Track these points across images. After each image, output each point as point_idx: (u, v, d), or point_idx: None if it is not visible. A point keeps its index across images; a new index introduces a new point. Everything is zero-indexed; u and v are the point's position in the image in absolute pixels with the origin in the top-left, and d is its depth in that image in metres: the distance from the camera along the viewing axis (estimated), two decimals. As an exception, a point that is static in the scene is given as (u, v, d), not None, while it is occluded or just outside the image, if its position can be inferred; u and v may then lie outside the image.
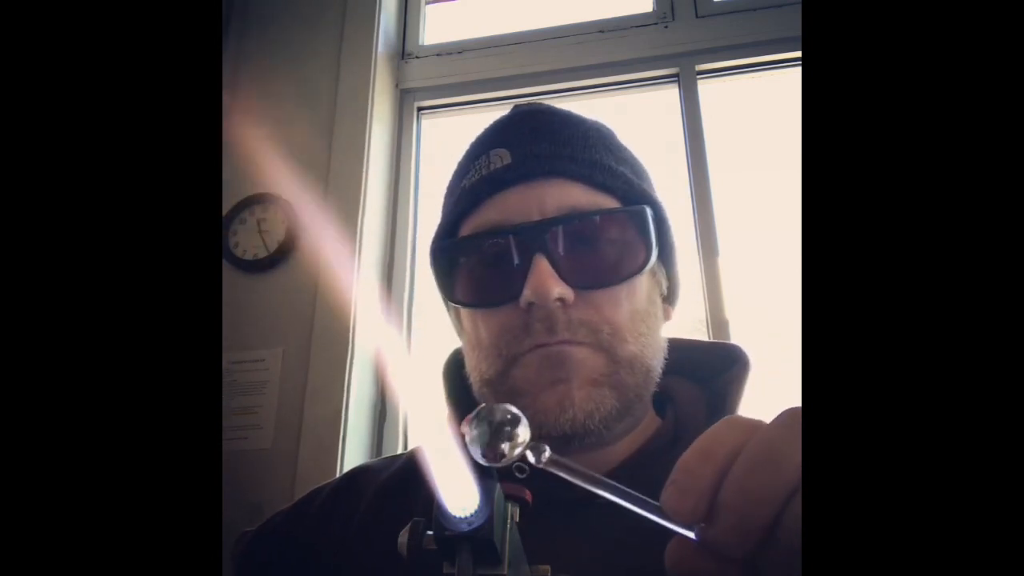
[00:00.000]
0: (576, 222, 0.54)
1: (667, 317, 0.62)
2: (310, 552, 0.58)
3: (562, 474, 0.31)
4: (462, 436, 0.30)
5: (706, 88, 1.53)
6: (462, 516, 0.28)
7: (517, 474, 0.54)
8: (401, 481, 0.60)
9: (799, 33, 1.40)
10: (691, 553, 0.30)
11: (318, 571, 0.57)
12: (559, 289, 0.51)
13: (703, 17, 1.56)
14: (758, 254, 1.38)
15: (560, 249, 0.53)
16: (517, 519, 0.31)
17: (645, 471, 0.54)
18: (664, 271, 0.61)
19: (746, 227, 1.41)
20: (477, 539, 0.28)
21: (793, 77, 1.50)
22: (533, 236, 0.53)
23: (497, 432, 0.29)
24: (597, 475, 0.32)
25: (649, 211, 0.56)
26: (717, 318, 1.28)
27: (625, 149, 0.63)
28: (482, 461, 0.30)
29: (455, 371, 0.63)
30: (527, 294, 0.52)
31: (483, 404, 0.30)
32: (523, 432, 0.29)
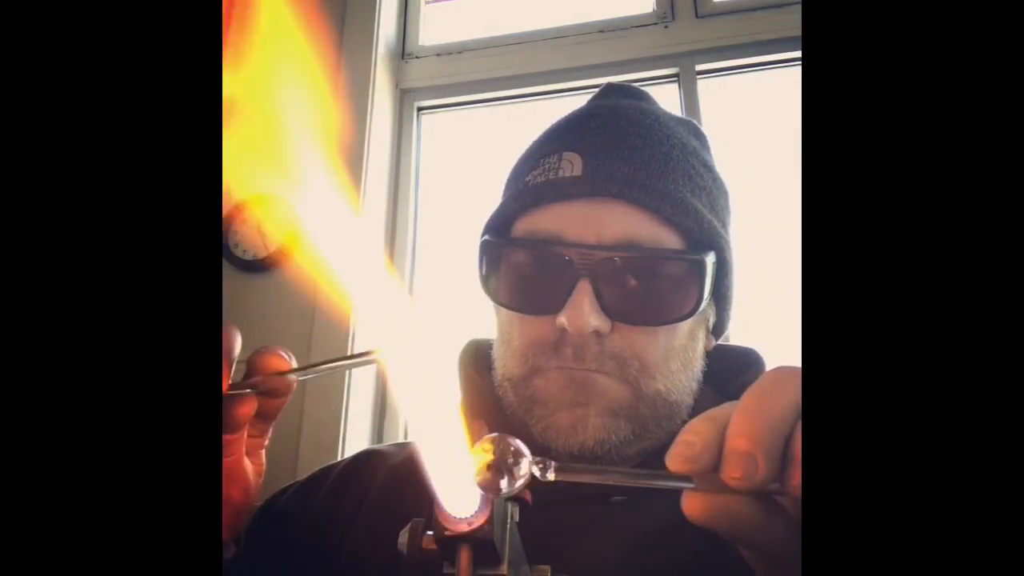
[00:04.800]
0: (630, 256, 0.52)
1: (708, 347, 0.60)
2: (316, 533, 0.58)
3: (573, 479, 0.31)
4: (470, 430, 0.30)
5: (706, 88, 1.53)
6: (462, 516, 0.28)
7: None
8: (412, 469, 0.59)
9: (799, 33, 1.40)
10: (702, 498, 0.29)
11: (323, 553, 0.56)
12: (595, 323, 0.50)
13: (703, 17, 1.56)
14: (758, 254, 1.38)
15: (607, 279, 0.51)
16: (517, 519, 0.31)
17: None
18: (715, 307, 0.60)
19: (746, 227, 1.40)
20: (477, 539, 0.28)
21: (793, 77, 1.50)
22: (584, 260, 0.51)
23: (499, 470, 0.29)
24: (604, 468, 0.32)
25: (710, 260, 0.54)
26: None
27: (707, 170, 0.60)
28: (483, 492, 0.29)
29: (471, 362, 0.63)
30: (563, 320, 0.51)
31: (489, 435, 0.30)
32: (524, 467, 0.29)
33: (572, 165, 0.55)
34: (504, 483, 0.28)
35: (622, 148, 0.55)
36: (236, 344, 0.39)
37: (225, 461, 0.41)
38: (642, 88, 0.67)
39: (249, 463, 0.43)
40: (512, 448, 0.29)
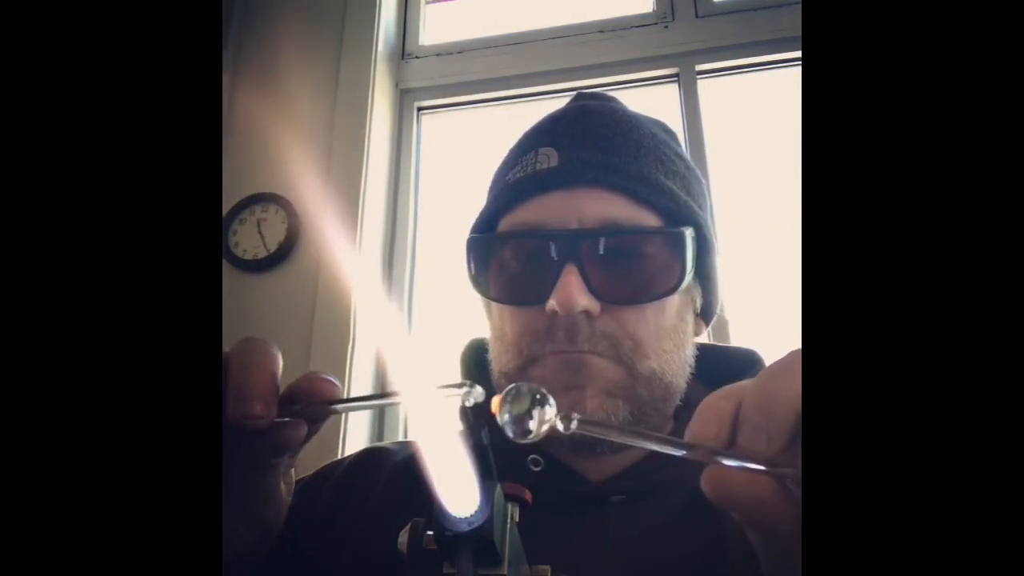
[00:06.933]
0: (612, 237, 0.54)
1: (698, 332, 0.62)
2: (323, 528, 0.58)
3: (595, 434, 0.32)
4: (476, 423, 0.31)
5: (706, 88, 1.53)
6: (462, 516, 0.29)
7: (532, 467, 0.55)
8: (416, 467, 0.59)
9: (799, 33, 1.40)
10: (725, 474, 0.30)
11: (330, 548, 0.56)
12: (584, 302, 0.51)
13: (703, 17, 1.56)
14: (758, 254, 1.38)
15: (592, 261, 0.53)
16: (517, 519, 0.31)
17: (652, 475, 0.54)
18: (700, 288, 0.61)
19: (746, 227, 1.41)
20: (477, 539, 0.28)
21: (793, 77, 1.50)
22: (567, 245, 0.53)
23: (529, 411, 0.31)
24: (626, 427, 0.33)
25: (689, 233, 0.55)
26: (717, 318, 1.28)
27: (679, 158, 0.62)
28: (515, 438, 0.31)
29: (471, 360, 0.64)
30: (552, 303, 0.52)
31: (512, 385, 0.32)
32: (550, 411, 0.31)
33: (548, 158, 0.57)
34: (532, 424, 0.30)
35: (594, 138, 0.58)
36: (279, 364, 0.39)
37: (265, 481, 0.41)
38: (636, 89, 0.69)
39: (282, 483, 0.44)
40: (538, 395, 0.31)
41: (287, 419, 0.38)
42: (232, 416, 0.36)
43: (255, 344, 0.39)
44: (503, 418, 0.31)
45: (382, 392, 0.37)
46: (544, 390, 0.31)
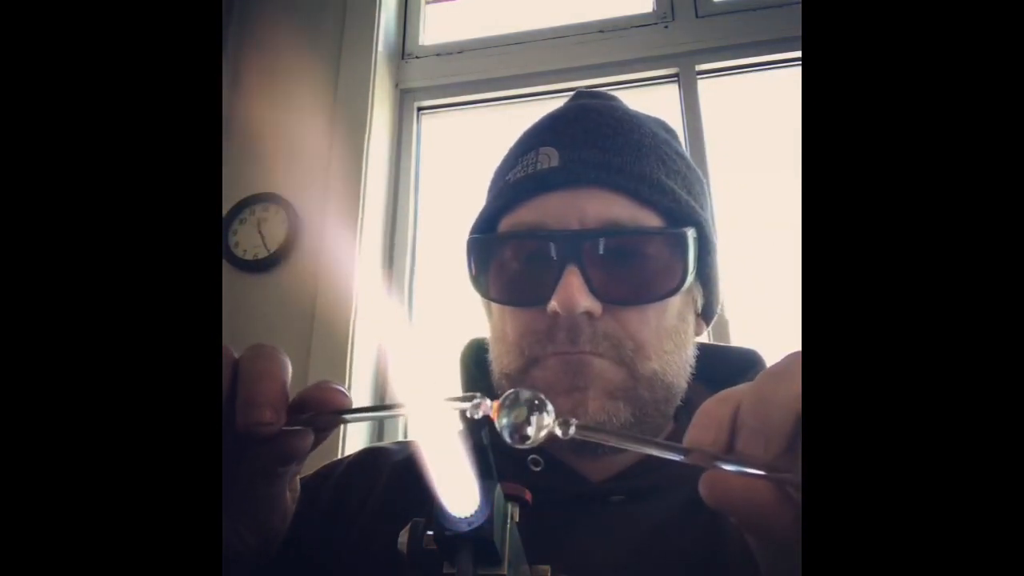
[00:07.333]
0: (614, 237, 0.53)
1: (698, 332, 0.61)
2: (324, 528, 0.58)
3: (593, 439, 0.32)
4: (476, 422, 0.31)
5: (706, 88, 1.53)
6: (462, 516, 0.29)
7: (532, 467, 0.55)
8: (415, 467, 0.59)
9: (799, 33, 1.40)
10: (722, 479, 0.30)
11: (331, 548, 0.56)
12: (586, 303, 0.51)
13: (703, 17, 1.56)
14: (758, 254, 1.38)
15: (594, 262, 0.52)
16: (517, 519, 0.31)
17: (651, 475, 0.54)
18: (701, 289, 0.61)
19: (746, 227, 1.41)
20: (477, 539, 0.28)
21: (793, 77, 1.50)
22: (569, 245, 0.53)
23: (527, 416, 0.31)
24: (624, 432, 0.33)
25: (691, 233, 0.55)
26: (717, 318, 1.28)
27: (680, 157, 0.61)
28: (513, 444, 0.31)
29: (471, 360, 0.64)
30: (554, 304, 0.52)
31: (511, 390, 0.32)
32: (548, 417, 0.31)
33: (549, 158, 0.57)
34: (531, 431, 0.31)
35: (596, 138, 0.57)
36: (289, 372, 0.39)
37: (272, 489, 0.41)
38: (636, 89, 0.68)
39: (287, 491, 0.44)
40: (537, 401, 0.31)
41: (295, 427, 0.38)
42: (241, 423, 0.36)
43: (265, 351, 0.39)
44: (501, 423, 0.31)
45: (391, 404, 0.36)
46: (542, 396, 0.31)
